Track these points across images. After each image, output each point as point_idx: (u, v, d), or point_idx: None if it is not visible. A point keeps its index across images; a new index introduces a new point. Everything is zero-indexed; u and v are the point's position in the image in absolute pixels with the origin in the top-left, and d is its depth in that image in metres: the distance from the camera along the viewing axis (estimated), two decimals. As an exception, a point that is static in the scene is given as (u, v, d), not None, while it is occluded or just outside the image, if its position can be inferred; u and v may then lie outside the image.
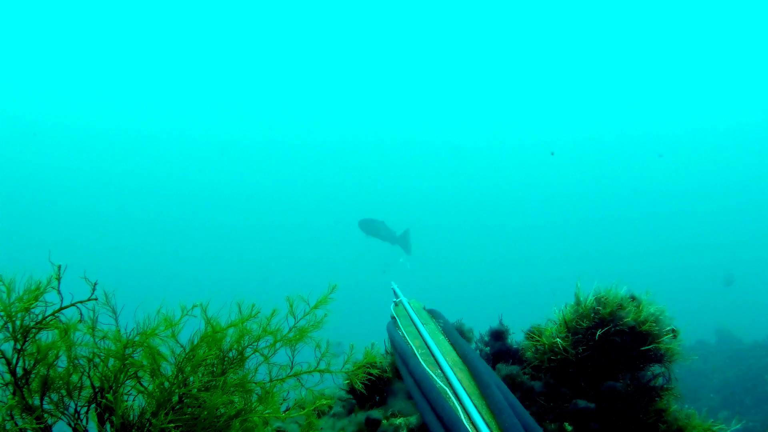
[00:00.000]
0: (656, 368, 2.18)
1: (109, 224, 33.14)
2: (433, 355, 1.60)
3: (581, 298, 2.27)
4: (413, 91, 36.96)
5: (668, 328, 2.07)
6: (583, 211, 35.84)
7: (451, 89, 36.75)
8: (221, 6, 31.68)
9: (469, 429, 1.26)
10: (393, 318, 1.96)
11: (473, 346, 2.74)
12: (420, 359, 1.58)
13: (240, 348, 1.35)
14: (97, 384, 1.27)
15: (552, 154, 33.89)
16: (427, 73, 36.08)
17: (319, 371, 1.50)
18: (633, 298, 2.24)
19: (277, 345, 1.44)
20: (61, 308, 1.23)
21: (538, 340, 2.31)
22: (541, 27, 33.03)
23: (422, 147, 38.39)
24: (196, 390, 1.21)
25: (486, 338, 2.56)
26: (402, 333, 1.79)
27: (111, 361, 1.28)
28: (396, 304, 2.05)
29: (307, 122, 37.79)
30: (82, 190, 33.96)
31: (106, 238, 31.84)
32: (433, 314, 1.94)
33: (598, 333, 2.06)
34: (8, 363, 1.18)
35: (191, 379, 1.25)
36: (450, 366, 1.52)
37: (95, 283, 1.27)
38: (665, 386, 2.16)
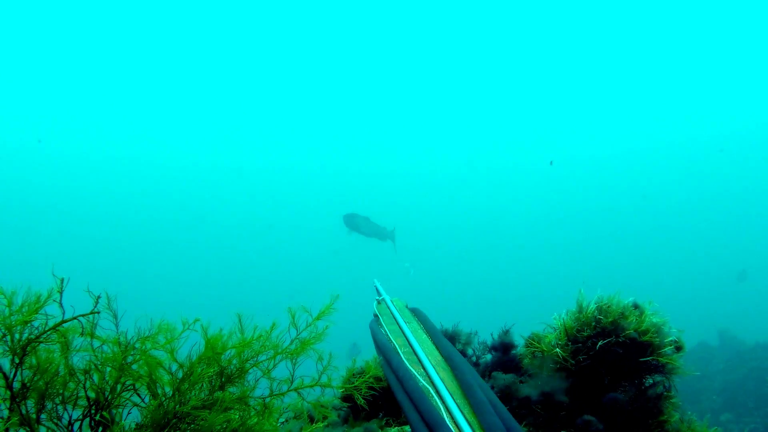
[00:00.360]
0: (657, 377, 2.19)
1: (110, 232, 33.16)
2: (415, 354, 1.61)
3: (584, 305, 2.27)
4: (420, 100, 37.09)
5: (669, 339, 2.07)
6: (589, 216, 35.93)
7: (458, 98, 36.94)
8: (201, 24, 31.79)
9: (451, 427, 1.27)
10: (375, 316, 1.98)
11: (470, 351, 2.75)
12: (403, 357, 1.59)
13: (240, 364, 1.34)
14: (92, 396, 1.26)
15: (551, 163, 33.94)
16: (430, 83, 36.30)
17: (321, 385, 1.50)
18: (636, 307, 2.23)
19: (278, 358, 1.43)
20: (63, 321, 1.23)
21: (537, 348, 2.32)
22: (539, 37, 33.19)
23: (428, 155, 38.47)
24: (189, 408, 1.20)
25: (489, 345, 2.56)
26: (385, 331, 1.80)
27: (108, 370, 1.28)
28: (379, 302, 2.08)
29: (312, 129, 37.82)
30: (82, 199, 33.92)
31: (106, 247, 31.86)
32: (416, 313, 1.96)
33: (600, 344, 2.07)
34: (6, 378, 1.17)
35: (189, 395, 1.24)
36: (433, 365, 1.53)
37: (98, 297, 1.26)
38: (665, 394, 2.16)
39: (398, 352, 1.62)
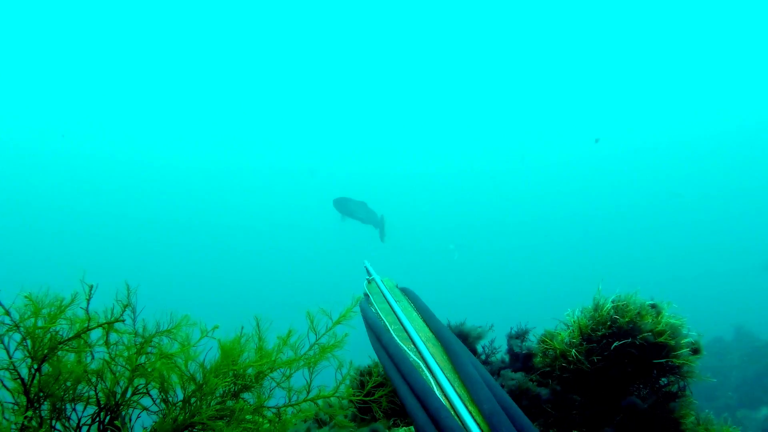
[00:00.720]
0: (672, 378, 2.16)
1: (127, 232, 33.48)
2: (405, 331, 1.65)
3: (600, 303, 2.23)
4: (430, 100, 37.13)
5: (686, 341, 2.04)
6: (603, 213, 35.78)
7: (471, 95, 36.90)
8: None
9: (442, 400, 1.30)
10: (366, 295, 2.01)
11: (480, 348, 2.73)
12: (393, 334, 1.63)
13: (256, 374, 1.32)
14: (103, 400, 1.26)
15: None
16: (439, 81, 36.33)
17: (339, 397, 1.49)
18: (653, 306, 2.20)
19: (294, 365, 1.41)
20: (86, 329, 1.22)
21: (549, 345, 2.30)
22: (551, 30, 32.95)
23: (441, 154, 38.48)
24: (201, 418, 1.20)
25: (507, 346, 2.54)
26: (375, 309, 1.84)
27: (120, 369, 1.27)
28: (369, 282, 2.11)
29: (322, 130, 37.95)
30: (100, 199, 34.26)
31: (122, 246, 32.19)
32: (406, 292, 2.00)
33: (615, 345, 2.04)
34: (24, 384, 1.17)
35: (201, 406, 1.23)
36: (423, 341, 1.57)
37: (126, 305, 1.26)
38: (681, 395, 2.14)
39: (388, 330, 1.67)
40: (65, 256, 28.63)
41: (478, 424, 1.21)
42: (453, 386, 1.34)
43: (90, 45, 32.26)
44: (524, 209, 36.34)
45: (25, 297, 1.17)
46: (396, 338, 1.59)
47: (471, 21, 33.22)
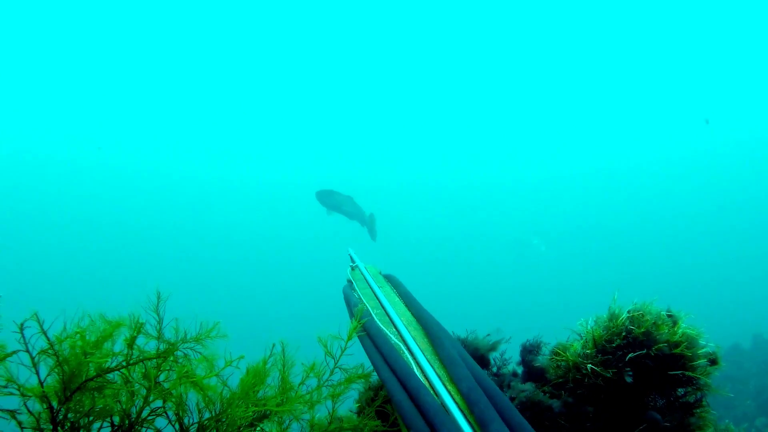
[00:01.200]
0: (688, 389, 2.15)
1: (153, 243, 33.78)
2: (387, 314, 1.71)
3: (616, 312, 2.23)
4: (444, 105, 37.24)
5: (704, 351, 2.03)
6: (620, 222, 35.64)
7: (488, 101, 37.04)
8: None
9: (422, 380, 1.36)
10: (349, 282, 2.10)
11: (491, 360, 2.71)
12: (375, 318, 1.70)
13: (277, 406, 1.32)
14: (116, 421, 1.26)
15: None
16: (455, 88, 36.42)
17: (361, 429, 1.50)
18: (670, 316, 2.19)
19: (317, 394, 1.41)
20: (129, 364, 1.23)
21: (562, 358, 2.29)
22: (562, 38, 33.00)
23: (449, 162, 38.67)
24: None
25: (519, 357, 2.53)
26: (358, 295, 1.92)
27: (135, 386, 1.27)
28: (353, 269, 2.18)
29: (330, 135, 38.30)
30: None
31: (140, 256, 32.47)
32: (389, 279, 2.07)
33: (629, 356, 2.04)
34: (51, 410, 1.16)
35: None
36: (404, 324, 1.63)
37: (171, 350, 1.23)
38: (697, 404, 2.13)
39: (370, 313, 1.73)
40: (90, 261, 29.05)
41: (456, 403, 1.27)
42: (433, 367, 1.40)
43: (128, 62, 33.10)
44: (537, 218, 36.22)
45: (77, 332, 1.16)
46: (377, 321, 1.66)
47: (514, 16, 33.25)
